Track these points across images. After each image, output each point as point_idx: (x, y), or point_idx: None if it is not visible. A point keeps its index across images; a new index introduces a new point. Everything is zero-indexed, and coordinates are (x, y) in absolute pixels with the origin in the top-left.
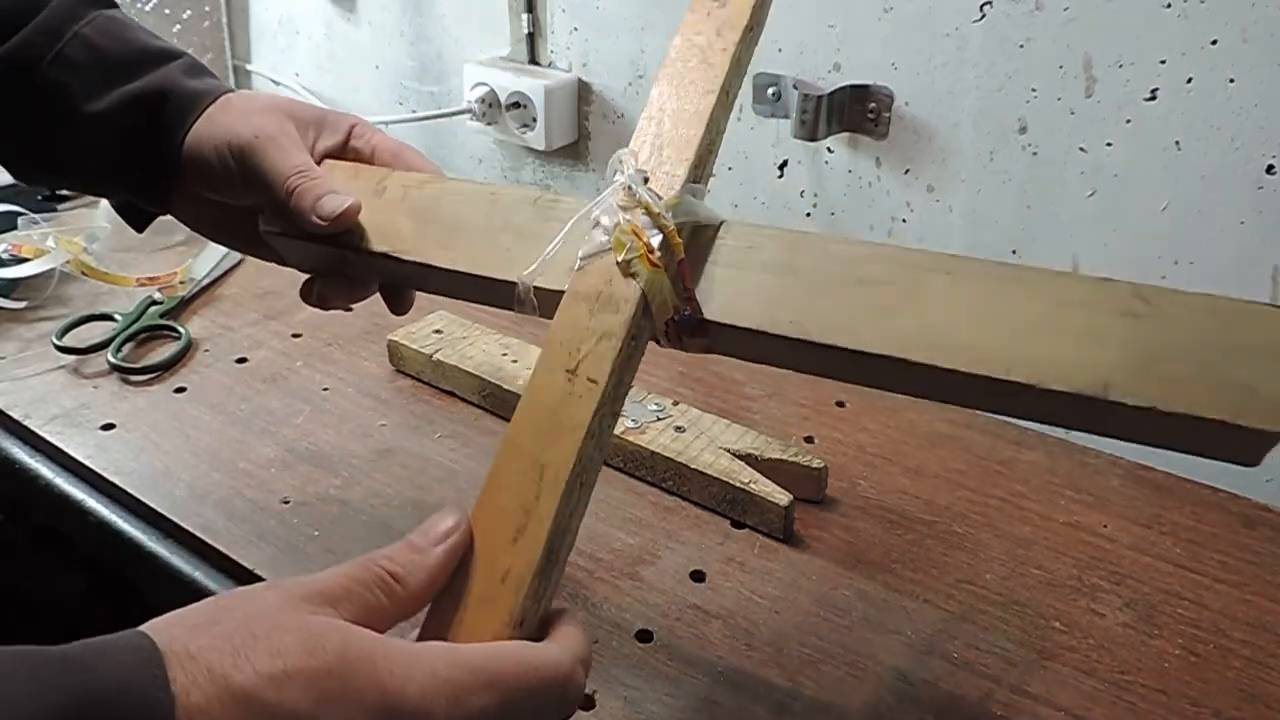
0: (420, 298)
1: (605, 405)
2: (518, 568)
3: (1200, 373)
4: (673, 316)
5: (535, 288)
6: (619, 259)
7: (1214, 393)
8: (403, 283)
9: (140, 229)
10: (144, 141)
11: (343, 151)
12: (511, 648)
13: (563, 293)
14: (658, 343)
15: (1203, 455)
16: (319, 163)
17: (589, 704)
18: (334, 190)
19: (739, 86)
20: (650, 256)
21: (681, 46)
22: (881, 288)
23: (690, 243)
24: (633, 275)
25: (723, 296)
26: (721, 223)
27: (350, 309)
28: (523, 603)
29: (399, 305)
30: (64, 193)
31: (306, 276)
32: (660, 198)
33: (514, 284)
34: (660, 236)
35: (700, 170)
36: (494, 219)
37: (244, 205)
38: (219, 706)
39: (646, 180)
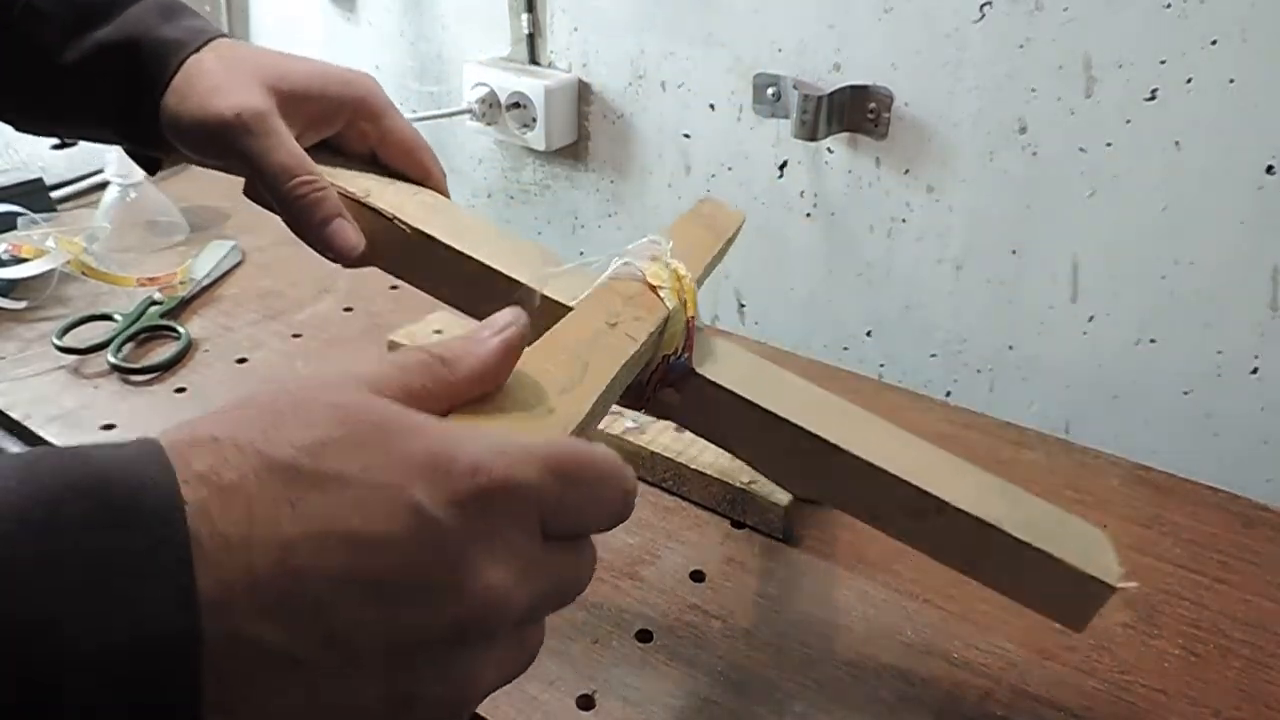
0: (419, 298)
1: (633, 362)
2: (564, 409)
3: (1058, 534)
4: (671, 353)
5: (543, 295)
6: (651, 284)
7: (1067, 547)
8: (390, 268)
9: (152, 171)
10: (123, 96)
11: (336, 139)
12: (566, 439)
13: (567, 308)
14: (639, 385)
15: (1040, 611)
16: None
17: (589, 704)
18: (342, 214)
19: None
20: (679, 291)
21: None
22: (837, 411)
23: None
24: (659, 297)
25: (708, 366)
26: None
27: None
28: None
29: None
30: (63, 192)
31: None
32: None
33: (516, 283)
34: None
35: (694, 291)
36: (503, 241)
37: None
38: (254, 481)
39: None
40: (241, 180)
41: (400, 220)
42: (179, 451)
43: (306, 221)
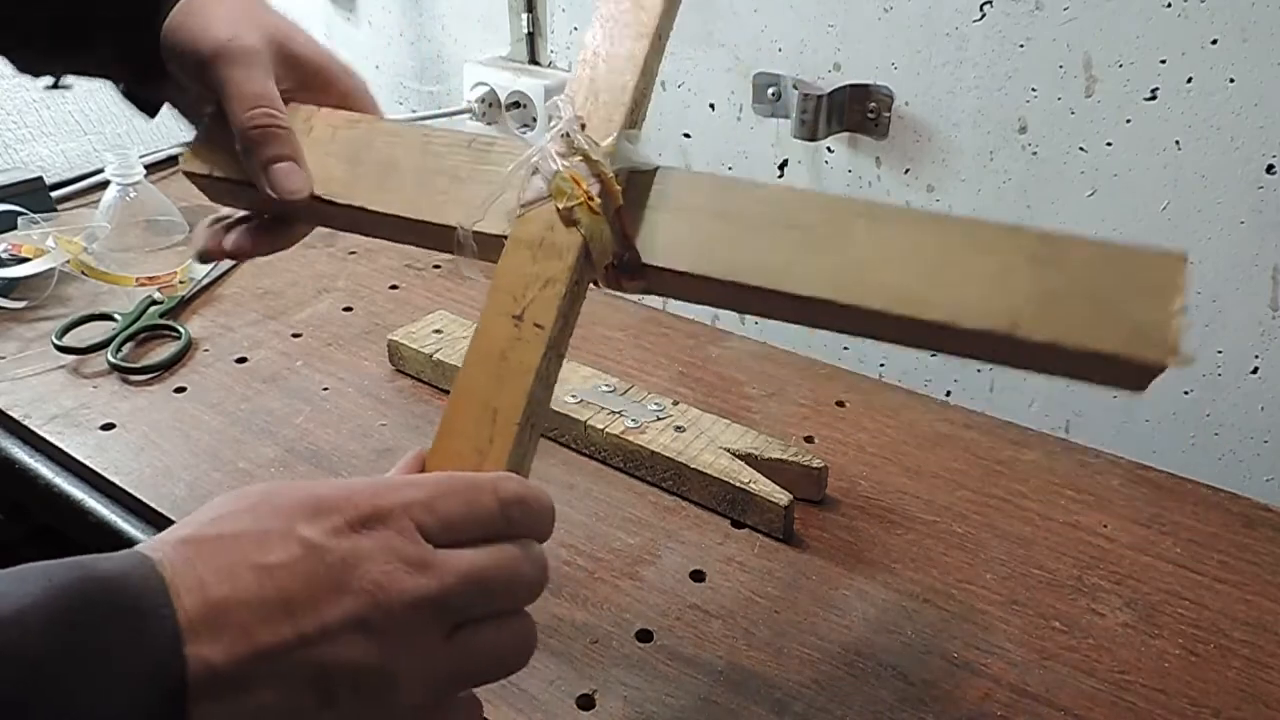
0: (419, 298)
1: (552, 349)
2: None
3: (1097, 311)
4: (612, 261)
5: (475, 232)
6: (560, 206)
7: (1108, 329)
8: (334, 226)
9: (151, 114)
10: (130, 12)
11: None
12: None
13: (503, 238)
14: (597, 285)
15: (1096, 383)
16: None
17: (589, 704)
18: (295, 157)
19: (670, 29)
20: (590, 204)
21: None
22: (808, 232)
23: (627, 188)
24: (574, 223)
25: (659, 240)
26: (657, 168)
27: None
28: None
29: (284, 240)
30: (63, 191)
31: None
32: (598, 144)
33: (452, 228)
34: (599, 184)
35: (635, 115)
36: (428, 161)
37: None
38: (171, 550)
39: (584, 127)
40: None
41: (327, 199)
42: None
43: (258, 154)
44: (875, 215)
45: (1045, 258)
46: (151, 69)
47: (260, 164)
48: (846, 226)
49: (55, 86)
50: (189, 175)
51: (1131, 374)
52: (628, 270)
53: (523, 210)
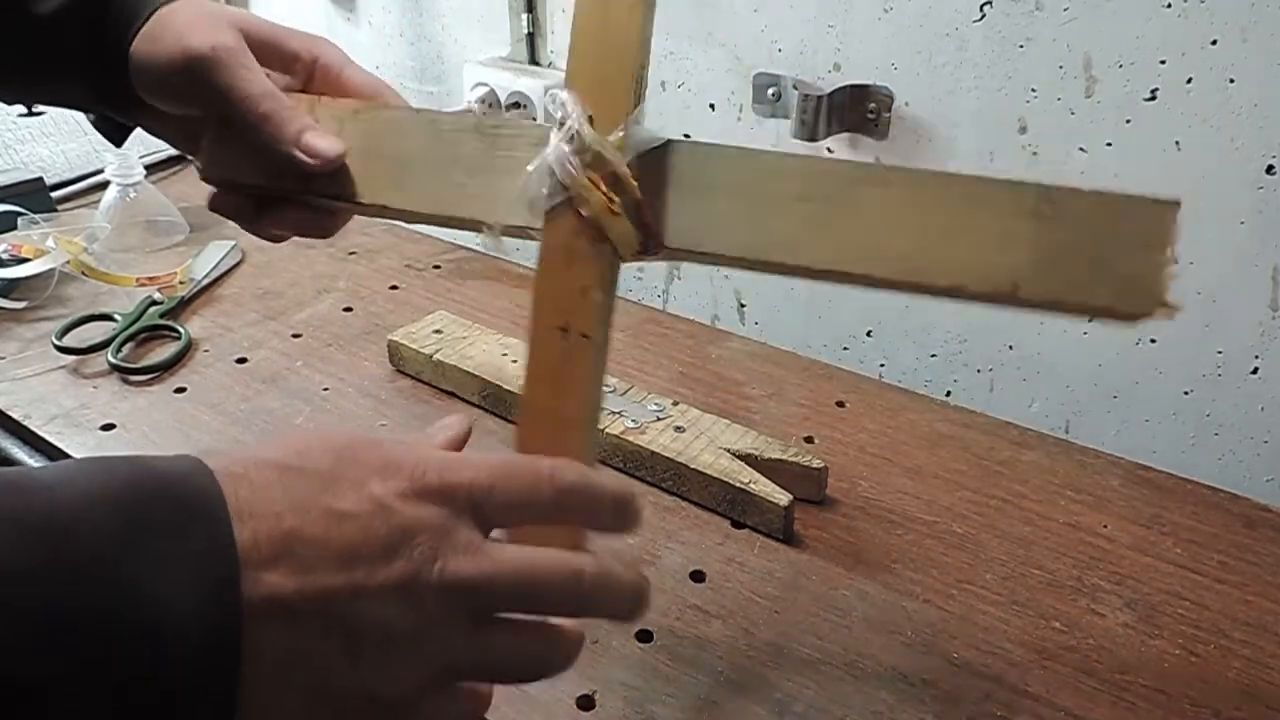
0: (419, 298)
1: (599, 350)
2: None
3: (1091, 268)
4: (637, 250)
5: (505, 226)
6: (583, 213)
7: (1101, 285)
8: (356, 213)
9: (118, 143)
10: (94, 42)
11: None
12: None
13: (528, 227)
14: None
15: (1091, 320)
16: None
17: (589, 704)
18: (315, 126)
19: None
20: (612, 208)
21: None
22: (820, 204)
23: (643, 174)
24: (599, 227)
25: (678, 220)
26: (667, 141)
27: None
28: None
29: (327, 229)
30: (63, 192)
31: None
32: (608, 141)
33: (475, 220)
34: (616, 181)
35: (639, 89)
36: (440, 150)
37: (188, 115)
38: (255, 470)
39: (591, 120)
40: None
41: (348, 198)
42: (206, 456)
43: (283, 135)
44: (884, 180)
45: (1045, 213)
46: (118, 93)
47: (289, 141)
48: (856, 196)
49: (29, 114)
50: (209, 179)
51: (1122, 319)
52: (650, 252)
53: (548, 215)
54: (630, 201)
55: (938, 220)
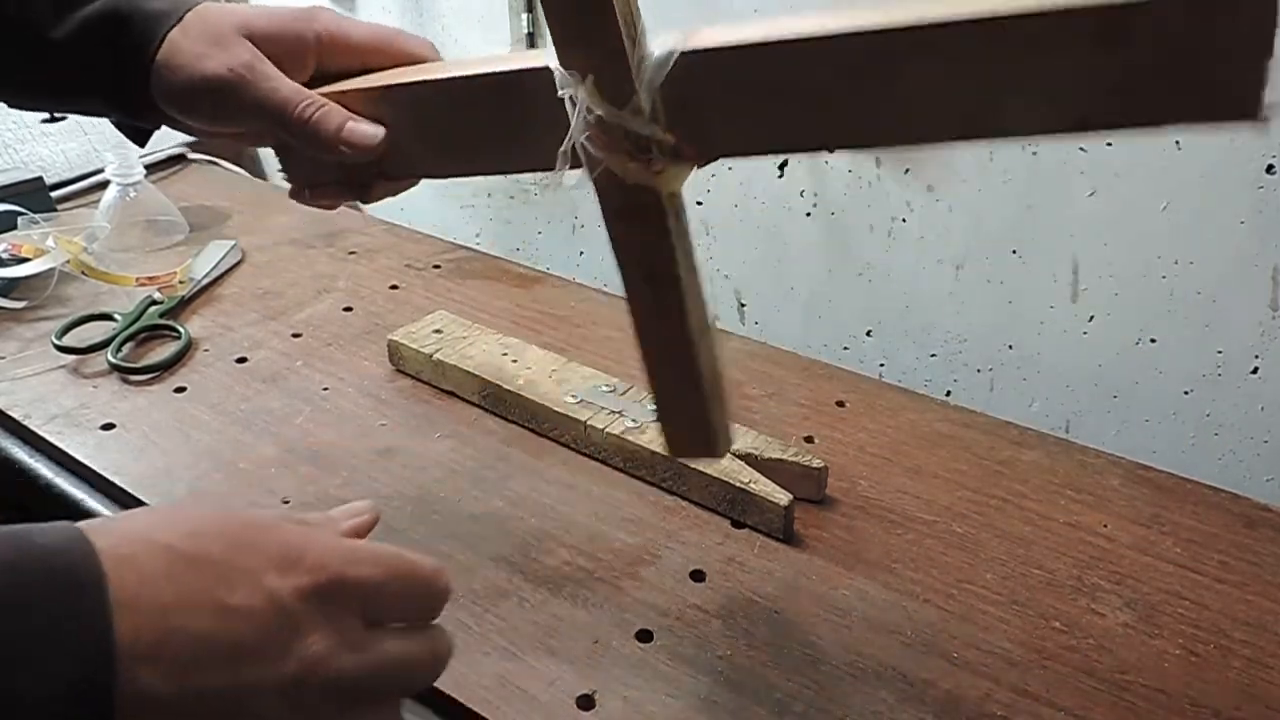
0: (419, 298)
1: (690, 276)
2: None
3: (1170, 85)
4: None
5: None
6: (630, 182)
7: (1185, 102)
8: (415, 151)
9: (141, 143)
10: (111, 68)
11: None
12: (399, 553)
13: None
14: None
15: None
16: None
17: (589, 704)
18: (352, 116)
19: None
20: (654, 171)
21: None
22: (856, 81)
23: (669, 92)
24: (648, 188)
25: (714, 139)
26: (679, 54)
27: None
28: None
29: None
30: (63, 191)
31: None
32: (624, 110)
33: (543, 71)
34: (649, 141)
35: (634, 31)
36: (463, 115)
37: (222, 131)
38: (145, 554)
39: (599, 86)
40: (235, 183)
41: (398, 84)
42: (93, 531)
43: (324, 136)
44: (924, 44)
45: (1107, 35)
46: (142, 110)
47: (333, 139)
48: (895, 67)
49: (51, 120)
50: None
51: (1212, 125)
52: (703, 164)
53: (595, 181)
54: (666, 148)
55: (993, 73)
